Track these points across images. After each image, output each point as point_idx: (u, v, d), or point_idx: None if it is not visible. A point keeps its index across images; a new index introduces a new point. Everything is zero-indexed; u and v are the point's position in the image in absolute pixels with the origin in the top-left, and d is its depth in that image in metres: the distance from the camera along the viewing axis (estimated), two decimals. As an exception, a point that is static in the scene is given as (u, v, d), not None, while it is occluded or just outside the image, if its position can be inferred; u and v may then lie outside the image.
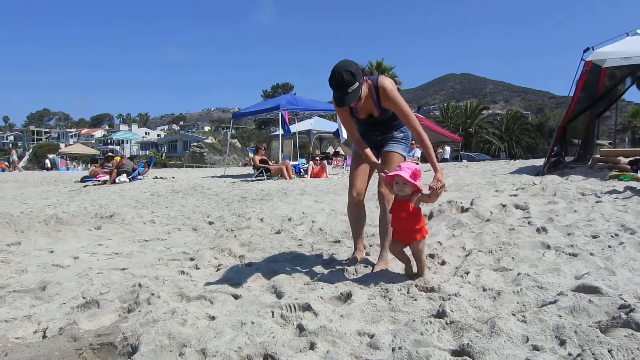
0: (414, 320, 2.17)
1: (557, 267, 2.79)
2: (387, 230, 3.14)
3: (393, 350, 1.93)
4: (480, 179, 8.25)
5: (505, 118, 48.47)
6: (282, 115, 15.20)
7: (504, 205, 4.82)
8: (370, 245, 3.82)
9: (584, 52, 8.58)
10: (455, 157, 25.93)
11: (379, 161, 3.31)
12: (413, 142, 14.99)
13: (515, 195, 5.68)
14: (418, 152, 14.09)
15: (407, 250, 2.95)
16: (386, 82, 3.06)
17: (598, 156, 8.93)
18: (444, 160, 23.89)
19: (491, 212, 4.58)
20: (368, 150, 3.22)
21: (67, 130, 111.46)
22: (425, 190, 2.79)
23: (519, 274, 2.74)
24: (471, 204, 4.83)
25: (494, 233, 3.77)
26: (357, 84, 2.85)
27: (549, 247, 3.30)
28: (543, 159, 10.03)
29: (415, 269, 2.94)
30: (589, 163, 8.98)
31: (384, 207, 3.20)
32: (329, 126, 23.95)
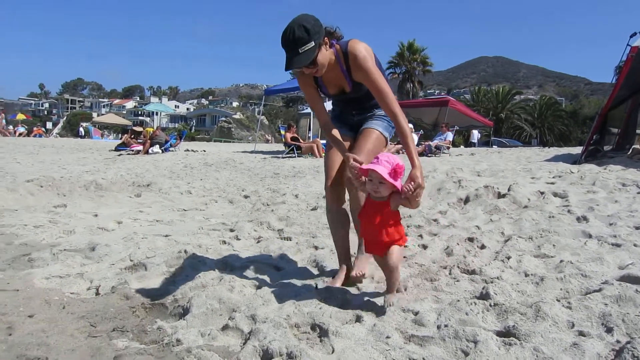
0: (458, 301, 2.20)
1: (600, 256, 2.76)
2: None
3: (439, 327, 1.97)
4: (515, 165, 8.11)
5: (538, 104, 47.23)
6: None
7: (542, 193, 4.76)
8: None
9: (631, 37, 8.21)
10: (486, 143, 25.47)
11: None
12: (444, 124, 14.36)
13: (552, 183, 5.58)
14: (450, 136, 13.42)
15: None
16: (358, 47, 2.41)
17: (638, 146, 8.66)
18: (471, 144, 23.46)
19: (529, 199, 4.53)
20: (336, 132, 2.55)
21: (100, 100, 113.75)
22: None
23: (561, 261, 2.73)
24: (508, 189, 4.77)
25: (533, 220, 3.74)
26: (312, 43, 2.24)
27: (590, 236, 3.26)
28: (577, 148, 9.78)
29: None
30: (629, 153, 8.72)
31: (353, 193, 2.61)
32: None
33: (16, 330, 2.10)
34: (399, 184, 2.15)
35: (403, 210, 4.29)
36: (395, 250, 2.19)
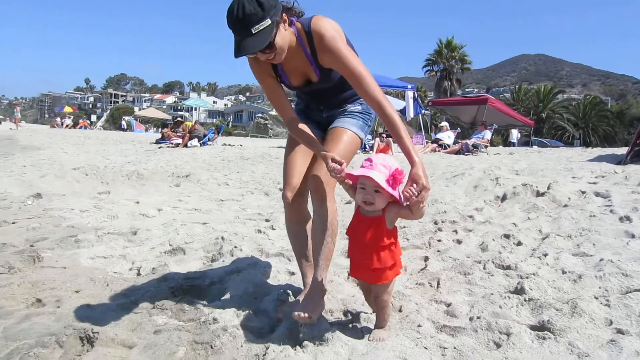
0: (492, 294, 2.19)
1: (643, 256, 2.68)
2: (322, 243, 2.01)
3: (471, 319, 1.97)
4: (555, 164, 7.89)
5: (582, 103, 45.47)
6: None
7: (583, 192, 4.62)
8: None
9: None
10: (526, 143, 24.79)
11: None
12: (482, 123, 13.73)
13: (594, 183, 5.40)
14: (488, 134, 12.85)
15: None
16: (324, 24, 1.93)
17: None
18: (510, 144, 22.87)
19: (569, 198, 4.41)
20: (304, 127, 2.06)
21: (141, 94, 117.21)
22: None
23: (601, 260, 2.66)
24: (548, 188, 4.66)
25: (572, 218, 3.64)
26: (268, 21, 1.77)
27: (633, 236, 3.15)
28: (622, 148, 9.40)
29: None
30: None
31: (318, 203, 2.06)
32: (396, 104, 23.60)
33: (64, 304, 2.23)
34: (397, 194, 1.73)
35: (436, 207, 4.27)
36: (389, 288, 1.85)
